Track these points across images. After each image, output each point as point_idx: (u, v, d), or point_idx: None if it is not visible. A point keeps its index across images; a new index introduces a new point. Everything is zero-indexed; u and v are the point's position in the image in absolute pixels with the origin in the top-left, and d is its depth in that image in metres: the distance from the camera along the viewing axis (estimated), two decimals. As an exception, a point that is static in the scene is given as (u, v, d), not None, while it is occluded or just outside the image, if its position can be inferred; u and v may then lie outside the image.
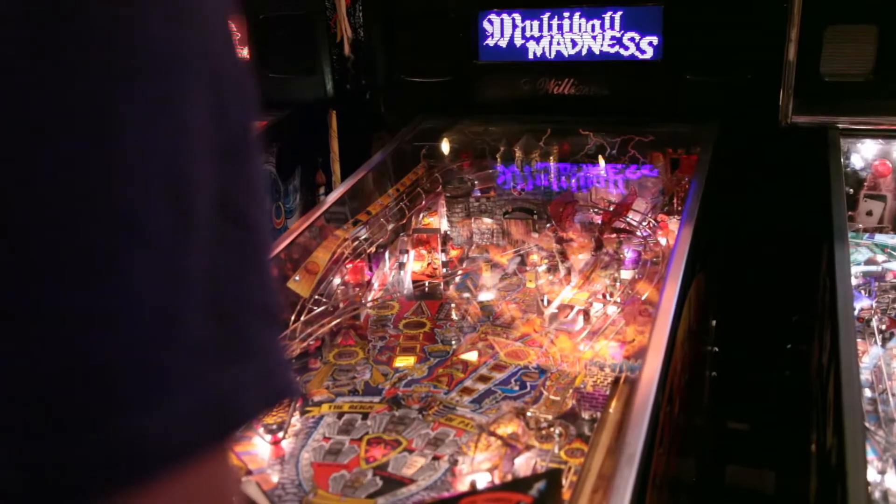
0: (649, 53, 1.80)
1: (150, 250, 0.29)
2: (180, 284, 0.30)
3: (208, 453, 0.32)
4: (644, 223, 1.60)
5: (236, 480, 0.92)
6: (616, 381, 1.18)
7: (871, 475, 0.94)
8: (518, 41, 1.89)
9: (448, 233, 1.77)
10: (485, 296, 1.55)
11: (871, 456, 0.96)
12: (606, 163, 1.80)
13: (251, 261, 0.35)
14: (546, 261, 1.62)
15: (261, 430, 1.13)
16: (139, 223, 0.29)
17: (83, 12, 0.27)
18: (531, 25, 1.87)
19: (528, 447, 1.07)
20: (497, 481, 1.02)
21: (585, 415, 1.13)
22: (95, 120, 0.27)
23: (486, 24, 1.91)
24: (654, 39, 1.79)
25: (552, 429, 1.10)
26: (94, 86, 0.28)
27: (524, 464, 1.04)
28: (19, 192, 0.26)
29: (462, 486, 1.02)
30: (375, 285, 1.61)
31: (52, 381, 0.27)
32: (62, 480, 0.28)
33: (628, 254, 1.54)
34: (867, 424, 1.00)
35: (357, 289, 1.56)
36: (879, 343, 1.23)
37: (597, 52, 1.84)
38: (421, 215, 1.74)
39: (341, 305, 1.48)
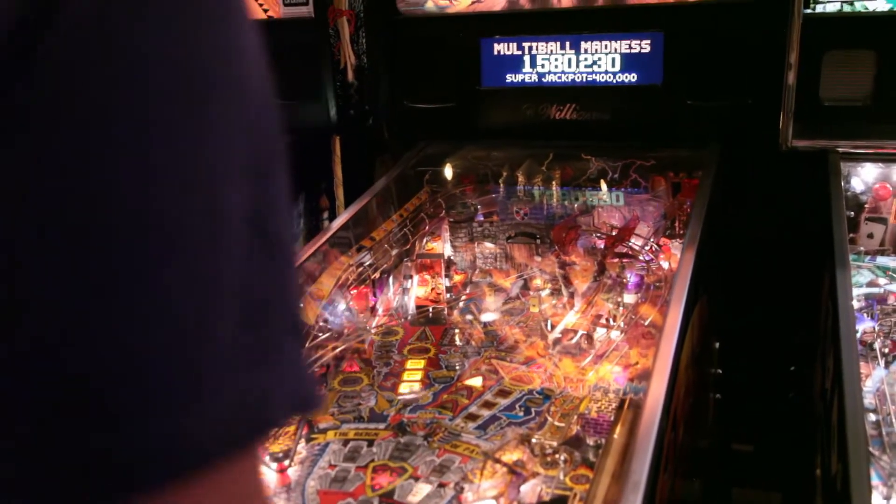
0: (650, 78, 1.82)
1: (185, 257, 0.31)
2: (213, 291, 0.32)
3: (239, 456, 0.33)
4: (646, 247, 1.61)
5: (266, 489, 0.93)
6: (620, 406, 1.18)
7: (876, 500, 0.94)
8: (520, 67, 1.91)
9: (451, 258, 1.78)
10: (487, 317, 1.56)
11: (875, 481, 0.96)
12: (608, 187, 1.82)
13: (279, 274, 0.37)
14: (549, 285, 1.63)
15: (267, 457, 1.14)
16: (177, 233, 0.30)
17: (127, 41, 0.29)
18: (533, 52, 1.89)
19: (534, 474, 1.08)
20: (503, 509, 1.02)
21: (590, 441, 1.13)
22: (137, 138, 0.29)
23: (488, 51, 1.93)
24: (655, 64, 1.80)
25: (557, 455, 1.10)
26: (135, 106, 0.29)
27: (530, 491, 1.05)
28: (66, 200, 0.28)
29: (468, 513, 1.02)
30: (380, 311, 1.62)
31: (88, 380, 0.29)
32: (97, 480, 0.29)
33: (631, 278, 1.55)
34: (871, 450, 1.00)
35: (361, 315, 1.56)
36: (883, 366, 1.24)
37: (598, 78, 1.85)
38: (424, 240, 1.75)
39: (346, 331, 1.49)
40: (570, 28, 1.86)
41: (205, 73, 0.32)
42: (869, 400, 1.14)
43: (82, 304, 0.28)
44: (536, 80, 1.90)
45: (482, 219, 1.84)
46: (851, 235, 1.58)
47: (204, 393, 0.31)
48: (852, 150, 1.64)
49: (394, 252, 1.70)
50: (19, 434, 0.28)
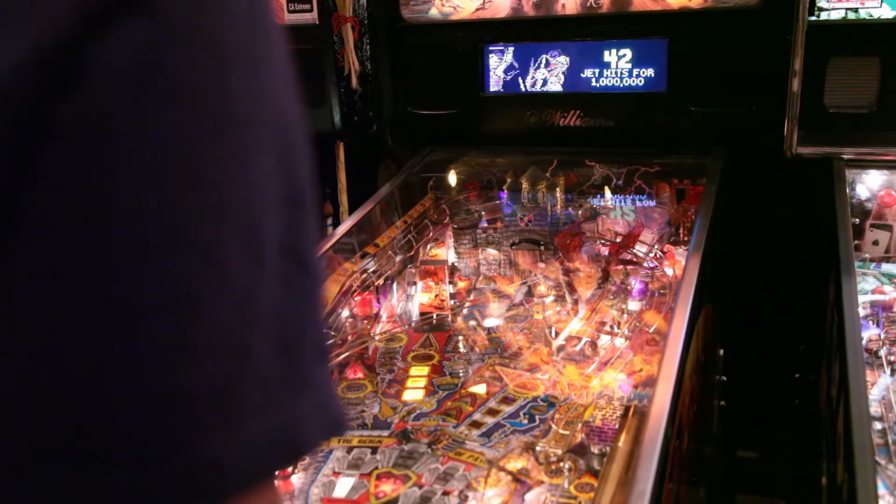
0: (654, 85, 1.82)
1: (228, 287, 0.31)
2: (253, 319, 0.32)
3: (269, 481, 0.34)
4: (651, 254, 1.60)
5: None
6: (625, 414, 1.18)
7: (883, 510, 0.94)
8: (524, 74, 1.91)
9: (455, 264, 1.78)
10: (491, 323, 1.56)
11: (882, 490, 0.96)
12: (612, 194, 1.82)
13: (310, 299, 0.37)
14: (553, 292, 1.63)
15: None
16: (220, 262, 0.31)
17: (174, 70, 0.29)
18: (537, 58, 1.89)
19: (539, 482, 1.07)
20: (507, 517, 1.01)
21: (595, 448, 1.13)
22: (183, 169, 0.30)
23: (492, 57, 1.93)
24: (659, 71, 1.80)
25: (562, 463, 1.10)
26: (183, 136, 0.30)
27: (534, 499, 1.04)
28: (115, 232, 0.28)
29: (472, 521, 1.02)
30: (384, 317, 1.61)
31: (130, 407, 0.29)
32: None
33: (635, 285, 1.55)
34: (878, 458, 1.00)
35: (365, 321, 1.56)
36: (888, 373, 1.23)
37: (602, 84, 1.85)
38: (428, 247, 1.75)
39: (350, 338, 1.48)
40: (574, 35, 1.86)
41: (251, 109, 0.33)
42: (875, 408, 1.13)
43: (124, 330, 0.29)
44: (540, 87, 1.90)
45: (486, 225, 1.84)
46: (856, 242, 1.58)
47: (243, 421, 0.32)
48: (857, 157, 1.64)
49: (397, 258, 1.70)
50: (58, 458, 0.28)
